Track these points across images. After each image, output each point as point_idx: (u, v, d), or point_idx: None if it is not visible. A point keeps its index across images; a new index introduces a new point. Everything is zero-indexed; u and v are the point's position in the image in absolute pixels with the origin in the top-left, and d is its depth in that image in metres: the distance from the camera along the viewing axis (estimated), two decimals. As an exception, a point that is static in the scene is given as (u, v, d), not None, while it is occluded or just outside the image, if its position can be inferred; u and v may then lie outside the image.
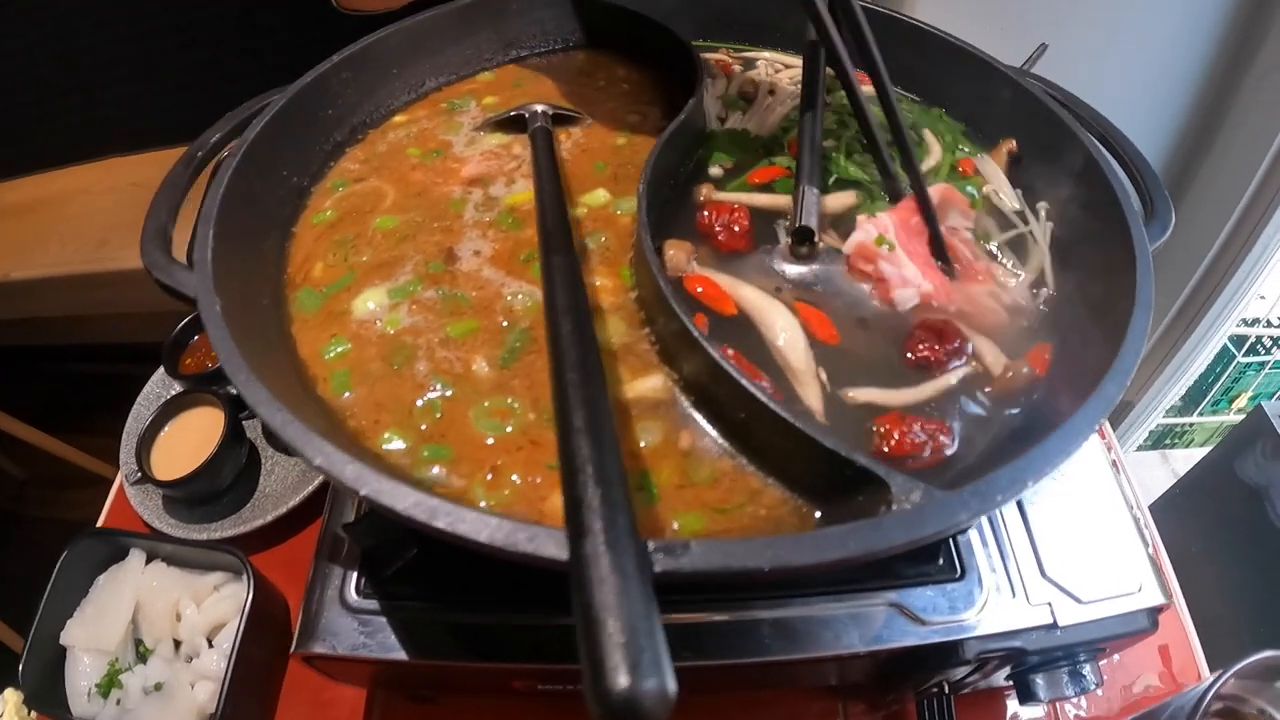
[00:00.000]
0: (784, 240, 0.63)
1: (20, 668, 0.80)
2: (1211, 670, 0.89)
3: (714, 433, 0.49)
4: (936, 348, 0.56)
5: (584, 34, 0.88)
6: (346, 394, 0.52)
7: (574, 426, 0.35)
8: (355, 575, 0.65)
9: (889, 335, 0.58)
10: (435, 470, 0.47)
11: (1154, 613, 0.66)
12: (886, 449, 0.51)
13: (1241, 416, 1.72)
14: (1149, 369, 1.50)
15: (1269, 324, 1.56)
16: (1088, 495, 0.72)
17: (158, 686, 0.82)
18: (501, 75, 0.84)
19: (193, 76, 1.85)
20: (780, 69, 0.85)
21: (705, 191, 0.66)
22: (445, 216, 0.64)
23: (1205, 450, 1.71)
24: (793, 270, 0.61)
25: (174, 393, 1.00)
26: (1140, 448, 1.69)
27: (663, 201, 0.64)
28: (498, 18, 0.84)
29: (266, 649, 0.83)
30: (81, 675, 0.83)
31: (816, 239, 0.61)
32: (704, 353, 0.46)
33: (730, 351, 0.52)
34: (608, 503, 0.32)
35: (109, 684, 0.82)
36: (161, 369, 1.05)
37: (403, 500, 0.38)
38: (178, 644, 0.86)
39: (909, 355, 0.57)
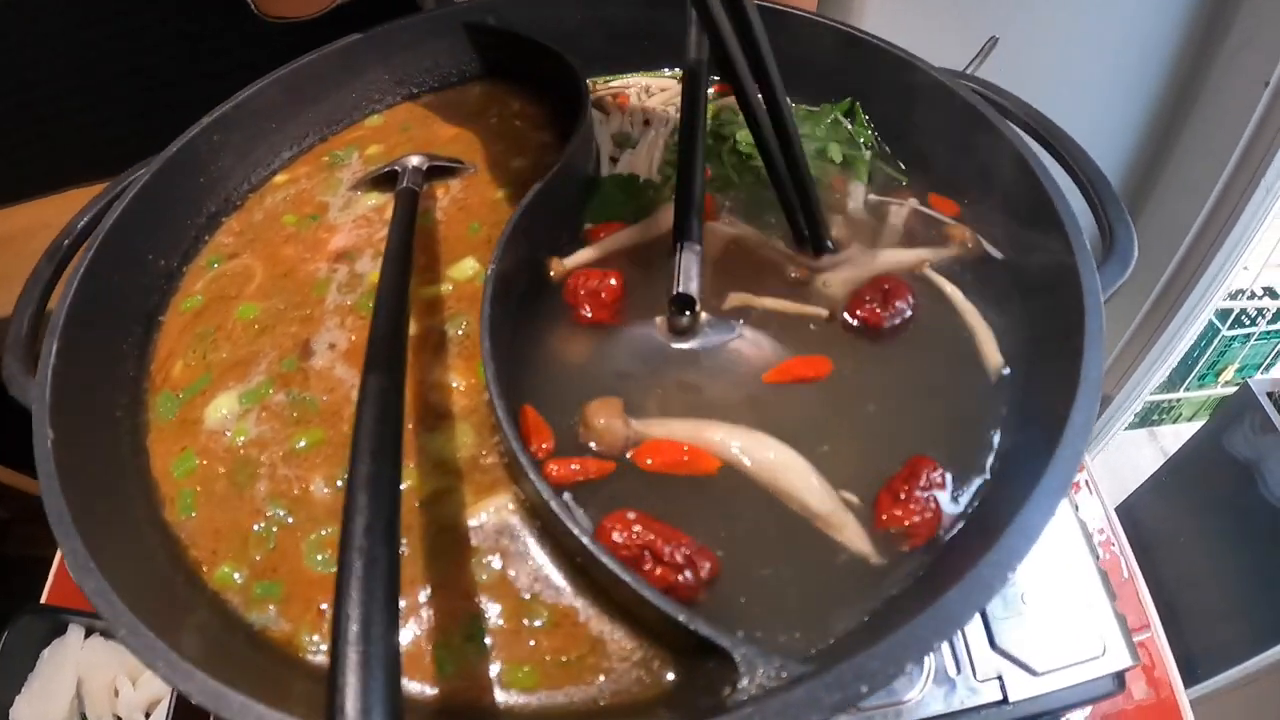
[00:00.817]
0: (662, 315, 0.55)
1: (-32, 749, 0.80)
2: (1185, 675, 0.84)
3: (556, 570, 0.43)
4: (875, 301, 0.57)
5: (480, 64, 0.82)
6: (192, 515, 0.49)
7: (344, 633, 0.31)
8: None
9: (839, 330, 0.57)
10: (269, 610, 0.44)
11: (1119, 676, 0.61)
12: (915, 543, 0.45)
13: (1229, 390, 1.66)
14: (1134, 351, 1.44)
15: (1253, 295, 1.48)
16: (1046, 545, 0.67)
17: (100, 764, 0.82)
18: (390, 118, 0.78)
19: (146, 103, 1.80)
20: (652, 94, 0.77)
21: (554, 266, 0.59)
22: (307, 302, 0.59)
23: (1194, 425, 1.65)
24: (673, 346, 0.54)
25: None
26: (1128, 427, 1.63)
27: (532, 273, 0.59)
28: (385, 54, 0.78)
29: (205, 721, 0.82)
30: (28, 753, 0.83)
31: (698, 308, 0.53)
32: (531, 482, 0.41)
33: (633, 514, 0.43)
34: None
35: (54, 762, 0.82)
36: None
37: (188, 684, 0.36)
38: None
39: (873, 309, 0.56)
